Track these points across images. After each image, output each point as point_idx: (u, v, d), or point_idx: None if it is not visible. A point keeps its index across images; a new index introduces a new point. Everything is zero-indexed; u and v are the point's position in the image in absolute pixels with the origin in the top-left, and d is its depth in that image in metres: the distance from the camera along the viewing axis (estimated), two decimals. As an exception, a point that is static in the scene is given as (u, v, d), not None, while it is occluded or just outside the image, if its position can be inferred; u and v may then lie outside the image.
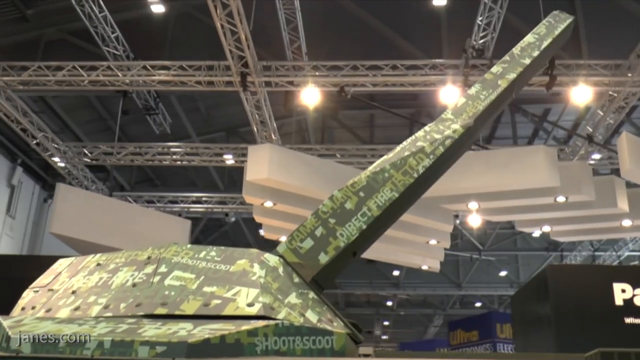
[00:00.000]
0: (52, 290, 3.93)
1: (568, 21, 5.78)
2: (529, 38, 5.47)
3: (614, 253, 25.32)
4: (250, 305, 3.35)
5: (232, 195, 20.01)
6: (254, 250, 3.78)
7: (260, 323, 3.13)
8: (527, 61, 5.21)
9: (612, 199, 13.21)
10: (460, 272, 29.47)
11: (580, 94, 13.21)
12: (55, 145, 17.03)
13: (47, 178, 19.96)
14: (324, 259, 3.87)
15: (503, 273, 28.99)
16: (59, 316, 3.59)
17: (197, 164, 17.99)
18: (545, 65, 12.38)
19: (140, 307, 3.43)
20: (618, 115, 14.39)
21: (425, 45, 15.01)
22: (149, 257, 3.78)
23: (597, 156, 16.35)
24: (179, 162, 17.90)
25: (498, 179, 12.19)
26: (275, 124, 15.52)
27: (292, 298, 3.54)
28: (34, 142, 16.41)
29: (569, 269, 13.06)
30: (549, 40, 5.50)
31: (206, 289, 3.47)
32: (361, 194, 4.09)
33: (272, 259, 3.76)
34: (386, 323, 36.64)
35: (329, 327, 3.38)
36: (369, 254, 14.33)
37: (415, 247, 14.98)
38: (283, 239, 4.57)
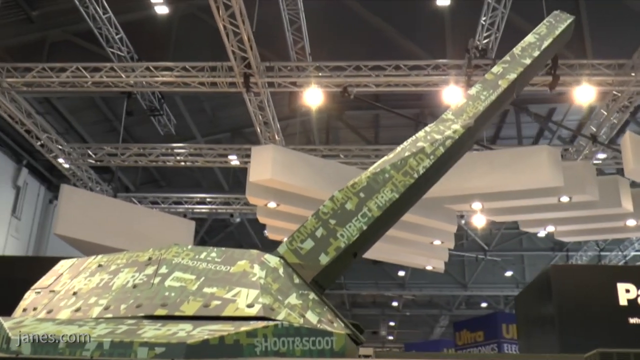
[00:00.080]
0: (53, 291, 3.95)
1: (569, 21, 5.78)
2: (530, 38, 5.47)
3: (619, 253, 25.26)
4: (250, 306, 3.35)
5: (236, 195, 20.01)
6: (255, 251, 3.79)
7: (260, 324, 3.14)
8: (528, 61, 5.21)
9: (617, 198, 13.17)
10: (465, 272, 29.43)
11: (584, 93, 13.19)
12: (60, 147, 17.07)
13: (52, 179, 20.01)
14: (324, 259, 3.88)
15: (509, 273, 28.95)
16: (59, 317, 3.61)
17: (201, 165, 18.01)
18: (548, 65, 12.37)
19: (140, 308, 3.45)
20: (622, 114, 14.35)
21: (429, 45, 14.99)
22: (149, 258, 3.80)
23: (602, 156, 16.32)
24: (182, 163, 17.92)
25: (501, 179, 12.15)
26: (279, 125, 15.53)
27: (292, 299, 3.55)
28: (38, 143, 16.46)
29: (573, 269, 13.01)
30: (550, 40, 5.50)
31: (206, 290, 3.48)
32: (361, 194, 4.09)
33: (272, 259, 3.77)
34: (392, 324, 36.59)
35: (328, 328, 3.39)
36: (373, 254, 14.39)
37: (419, 247, 14.96)
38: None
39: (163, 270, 3.66)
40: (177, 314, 3.37)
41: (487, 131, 18.50)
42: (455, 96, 12.77)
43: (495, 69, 5.12)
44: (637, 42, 12.83)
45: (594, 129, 15.14)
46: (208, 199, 20.69)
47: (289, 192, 12.41)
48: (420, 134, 4.50)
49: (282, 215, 13.11)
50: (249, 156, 14.69)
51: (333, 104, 15.38)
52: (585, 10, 13.97)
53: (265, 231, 15.27)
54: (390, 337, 37.69)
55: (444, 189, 11.48)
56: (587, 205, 13.22)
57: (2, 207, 17.88)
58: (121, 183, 20.41)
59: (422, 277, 27.66)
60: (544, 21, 5.72)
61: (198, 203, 20.71)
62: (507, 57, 5.24)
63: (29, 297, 4.05)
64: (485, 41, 13.06)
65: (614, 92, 13.73)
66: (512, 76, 5.04)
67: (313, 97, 13.49)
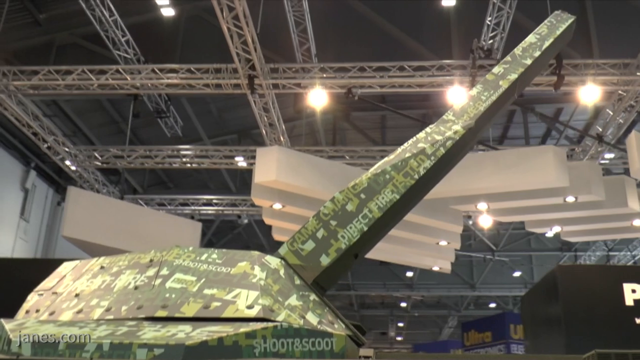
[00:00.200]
0: (56, 293, 3.98)
1: (570, 21, 5.78)
2: (531, 38, 5.47)
3: (628, 253, 25.16)
4: (249, 307, 3.37)
5: (243, 197, 20.01)
6: (255, 253, 3.80)
7: (259, 325, 3.15)
8: (529, 61, 5.21)
9: (623, 198, 13.11)
10: (474, 272, 29.39)
11: (589, 93, 13.14)
12: (66, 149, 17.13)
13: (60, 181, 20.07)
14: (325, 260, 3.89)
15: (517, 274, 28.87)
16: (61, 319, 3.63)
17: (208, 167, 18.03)
18: (553, 65, 12.34)
19: (141, 309, 3.47)
20: (628, 114, 14.29)
21: (434, 46, 14.97)
22: (151, 260, 3.82)
23: (609, 156, 16.24)
24: (189, 165, 17.95)
25: (507, 179, 12.12)
26: (284, 126, 15.53)
27: (293, 300, 3.56)
28: (45, 145, 16.52)
29: (579, 270, 12.93)
30: (551, 40, 5.49)
31: (207, 291, 3.50)
32: (362, 195, 4.10)
33: (273, 261, 3.78)
34: (400, 324, 36.51)
35: (328, 329, 3.40)
36: (379, 255, 14.38)
37: (425, 248, 14.92)
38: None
39: (164, 271, 3.68)
40: (177, 315, 3.39)
41: (495, 131, 18.48)
42: (460, 97, 12.74)
43: (496, 69, 5.12)
44: (643, 41, 12.80)
45: (600, 129, 15.09)
46: (215, 201, 20.71)
47: (294, 193, 12.40)
48: (421, 135, 4.50)
49: (288, 216, 13.10)
50: (255, 157, 14.70)
51: (339, 105, 15.37)
52: (591, 9, 13.92)
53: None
54: (399, 338, 37.63)
55: (449, 189, 11.47)
56: (594, 205, 13.17)
57: (11, 210, 17.95)
58: (129, 185, 20.45)
59: (430, 277, 27.59)
60: (545, 21, 5.72)
61: (205, 205, 20.74)
62: (508, 58, 5.24)
63: (31, 299, 4.09)
64: (491, 41, 13.03)
65: (620, 92, 13.68)
66: (513, 76, 5.04)
67: (317, 98, 13.50)
